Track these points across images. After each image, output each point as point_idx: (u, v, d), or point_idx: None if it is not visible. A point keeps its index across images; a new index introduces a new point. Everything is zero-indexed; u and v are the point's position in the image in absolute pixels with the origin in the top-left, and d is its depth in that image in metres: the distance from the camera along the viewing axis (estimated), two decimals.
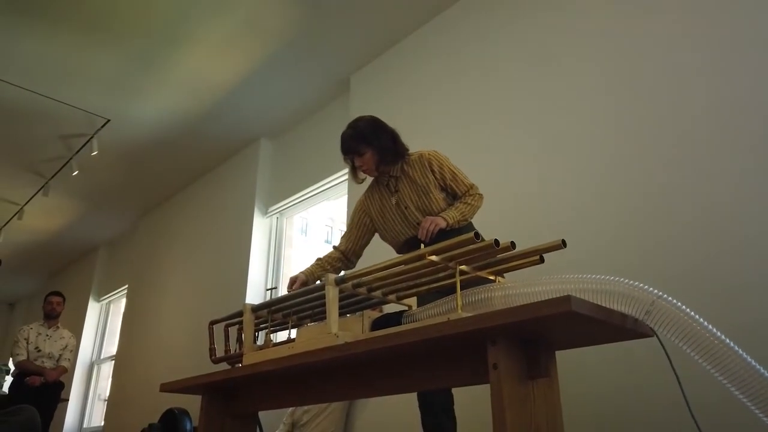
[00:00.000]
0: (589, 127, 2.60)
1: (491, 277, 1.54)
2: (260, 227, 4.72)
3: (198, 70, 4.13)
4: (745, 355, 1.11)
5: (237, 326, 2.12)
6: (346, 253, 2.28)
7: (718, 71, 2.24)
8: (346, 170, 3.90)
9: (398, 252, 2.20)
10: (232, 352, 2.16)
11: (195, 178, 5.72)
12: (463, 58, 3.32)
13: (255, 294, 4.44)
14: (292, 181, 4.61)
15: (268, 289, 4.45)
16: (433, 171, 2.14)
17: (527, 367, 1.27)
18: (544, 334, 1.28)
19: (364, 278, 1.63)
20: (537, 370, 1.27)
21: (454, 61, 3.37)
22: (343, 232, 2.33)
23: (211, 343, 2.19)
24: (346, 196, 3.87)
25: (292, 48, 3.88)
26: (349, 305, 1.77)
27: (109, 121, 4.70)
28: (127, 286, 6.56)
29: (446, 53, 3.44)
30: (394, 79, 3.75)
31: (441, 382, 1.54)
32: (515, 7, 3.12)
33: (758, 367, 1.11)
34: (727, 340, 1.13)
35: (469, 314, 1.34)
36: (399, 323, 1.59)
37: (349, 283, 1.64)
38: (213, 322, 2.20)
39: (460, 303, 1.43)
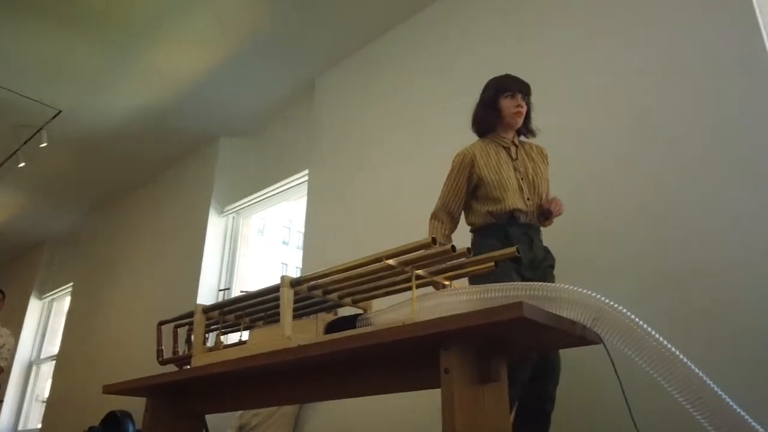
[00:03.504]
0: (579, 126, 2.57)
1: (447, 283, 1.56)
2: (215, 226, 4.62)
3: (160, 65, 4.03)
4: (689, 363, 1.15)
5: (187, 327, 2.07)
6: (455, 215, 2.15)
7: (703, 72, 2.33)
8: (306, 171, 3.92)
9: (496, 220, 2.04)
10: (180, 353, 2.11)
11: (150, 175, 5.57)
12: (428, 64, 3.34)
13: (208, 294, 4.34)
14: (251, 181, 4.55)
15: (221, 290, 4.36)
16: (546, 165, 2.21)
17: (478, 371, 1.28)
18: (495, 339, 1.29)
19: (320, 280, 1.61)
20: (488, 374, 1.28)
21: (419, 67, 3.39)
22: (445, 196, 2.13)
23: (159, 344, 2.14)
24: (306, 197, 3.84)
25: (258, 47, 3.83)
26: (303, 308, 1.75)
27: (60, 112, 4.53)
28: (72, 284, 6.33)
29: (411, 58, 3.46)
30: (360, 83, 3.75)
31: (395, 386, 1.54)
32: (480, 14, 3.17)
33: (702, 375, 1.15)
34: (672, 348, 1.16)
35: (423, 319, 1.34)
36: (353, 327, 1.58)
37: (305, 285, 1.62)
38: (161, 323, 2.15)
39: (415, 308, 1.43)
